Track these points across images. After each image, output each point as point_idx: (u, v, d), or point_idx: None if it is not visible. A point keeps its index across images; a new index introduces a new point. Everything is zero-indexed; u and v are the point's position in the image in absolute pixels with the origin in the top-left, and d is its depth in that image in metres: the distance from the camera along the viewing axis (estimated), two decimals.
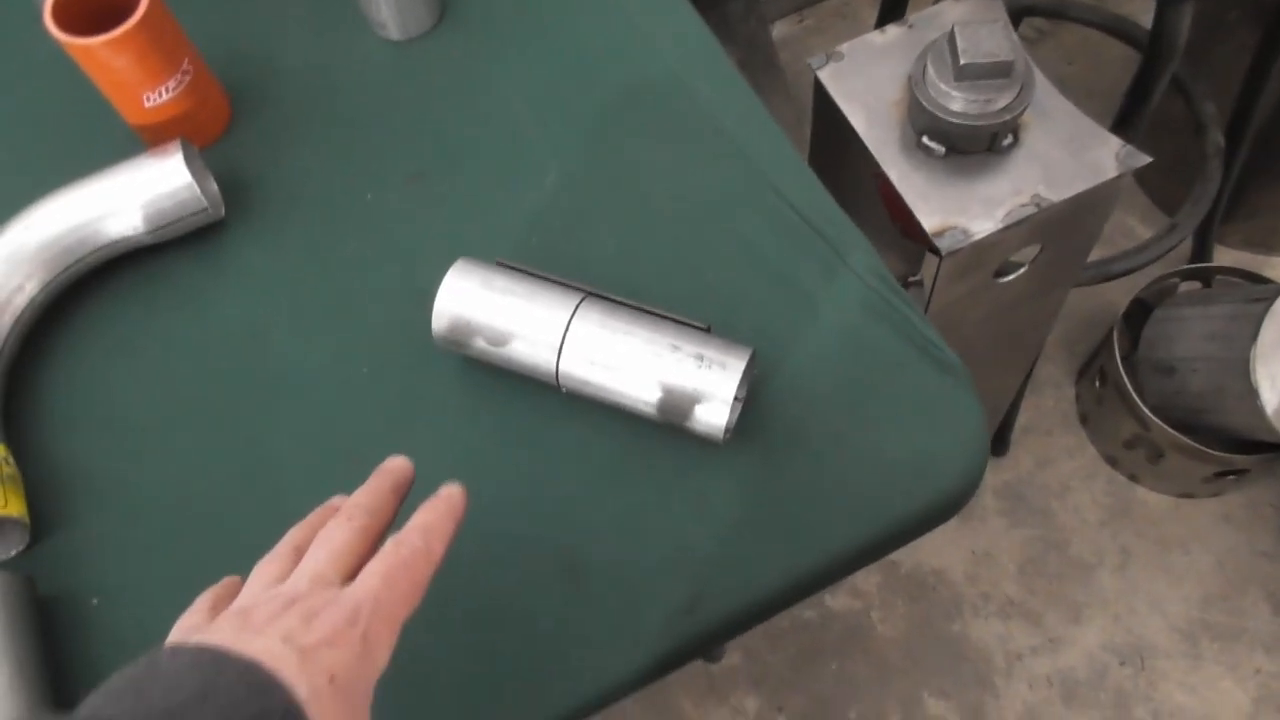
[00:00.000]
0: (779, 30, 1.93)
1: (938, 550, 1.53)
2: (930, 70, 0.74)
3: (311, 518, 0.50)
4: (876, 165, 0.78)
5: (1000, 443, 1.54)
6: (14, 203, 0.66)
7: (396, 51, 0.78)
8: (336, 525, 0.46)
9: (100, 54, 0.63)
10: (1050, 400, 1.60)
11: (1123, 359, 1.39)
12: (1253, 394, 1.19)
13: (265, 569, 0.46)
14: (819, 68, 0.83)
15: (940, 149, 0.77)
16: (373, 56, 0.78)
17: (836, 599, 1.52)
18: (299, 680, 0.37)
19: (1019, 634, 1.46)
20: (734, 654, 1.50)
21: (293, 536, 0.48)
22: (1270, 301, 1.19)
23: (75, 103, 0.74)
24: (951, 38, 0.72)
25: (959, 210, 0.76)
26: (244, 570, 0.59)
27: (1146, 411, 1.34)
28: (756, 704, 1.47)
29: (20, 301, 0.63)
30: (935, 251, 0.77)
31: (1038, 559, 1.51)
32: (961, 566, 1.52)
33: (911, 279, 1.28)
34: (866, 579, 1.53)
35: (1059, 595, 1.48)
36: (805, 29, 1.95)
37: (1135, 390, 1.36)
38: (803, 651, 1.49)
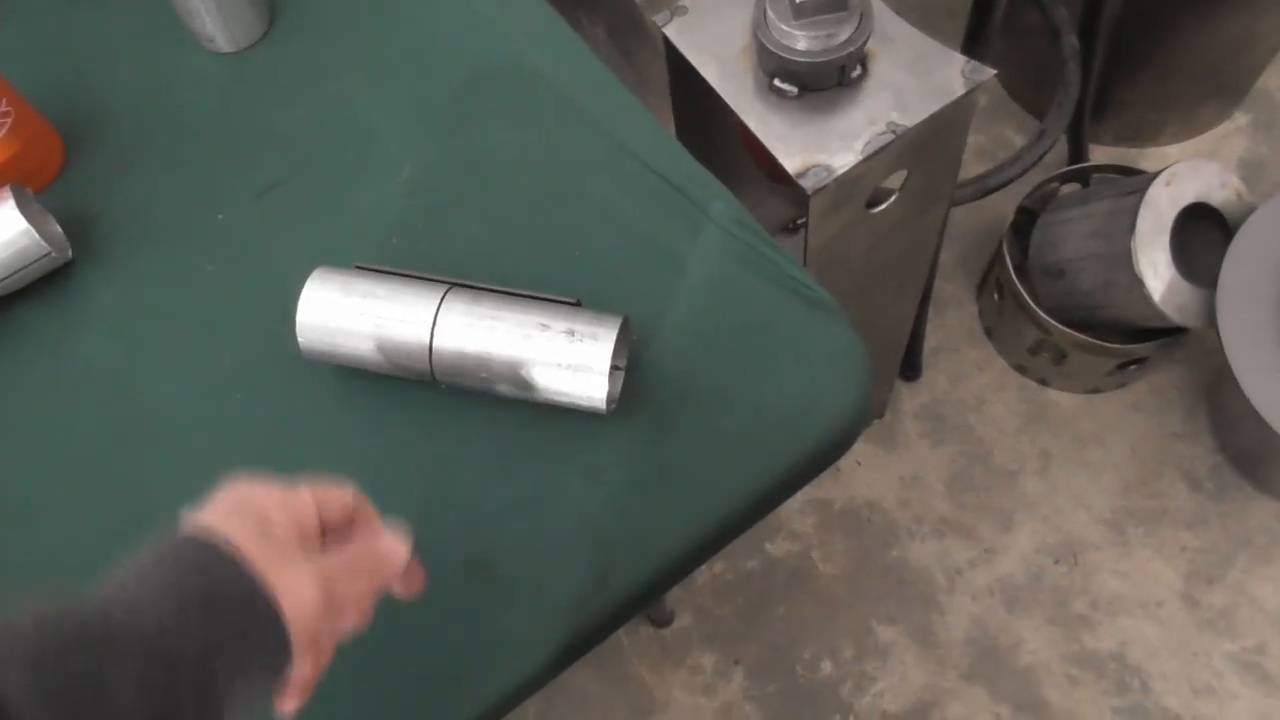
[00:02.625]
0: None
1: (868, 481, 1.56)
2: (770, 13, 0.74)
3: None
4: (734, 114, 0.78)
5: (911, 367, 1.56)
6: None
7: (230, 64, 0.76)
8: None
9: None
10: (954, 319, 1.63)
11: (1015, 268, 1.41)
12: (1138, 283, 1.22)
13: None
14: (664, 24, 0.82)
15: (792, 89, 0.77)
16: (206, 73, 0.75)
17: (775, 545, 1.54)
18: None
19: (955, 550, 1.49)
20: (684, 615, 1.51)
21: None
22: (1143, 192, 1.22)
23: None
24: None
25: (819, 147, 0.76)
26: None
27: (1044, 316, 1.37)
28: (713, 660, 1.48)
29: None
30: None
31: (963, 474, 1.54)
32: (892, 494, 1.55)
33: (800, 221, 1.29)
34: (802, 520, 1.55)
35: (988, 506, 1.51)
36: None
37: (1031, 297, 1.39)
38: (750, 602, 1.51)
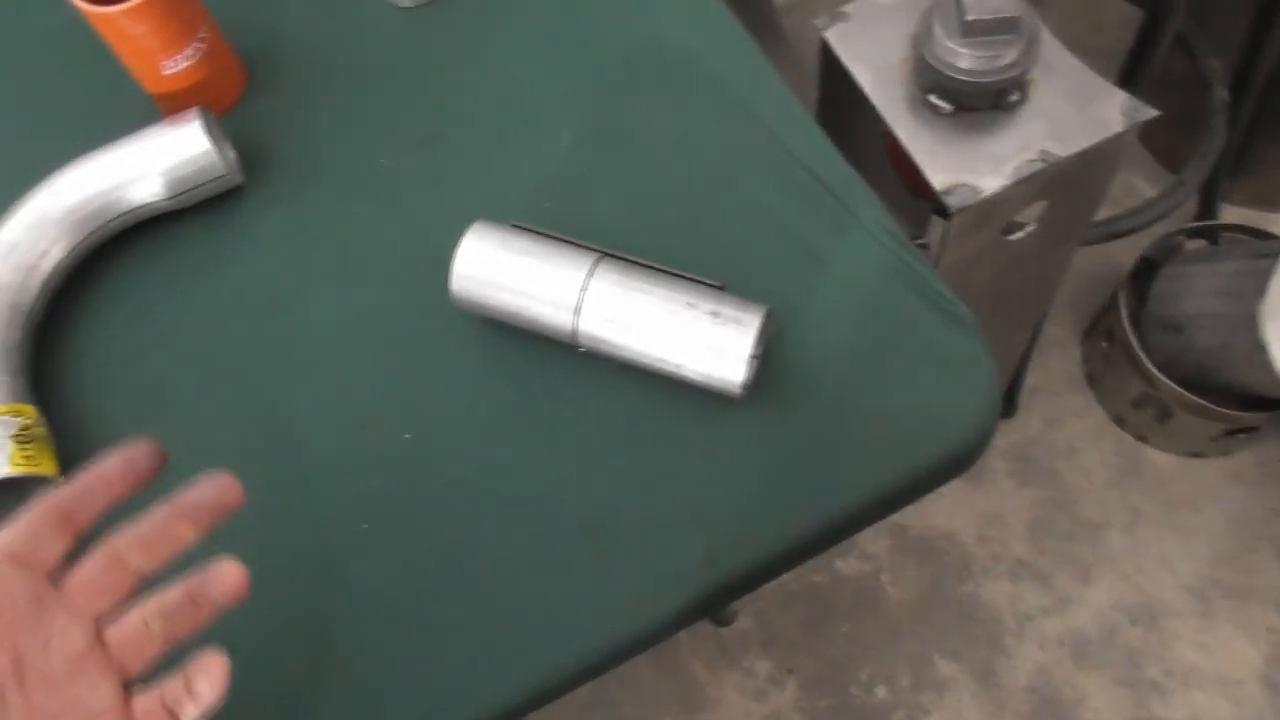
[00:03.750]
0: None
1: (947, 513, 1.55)
2: (936, 28, 0.75)
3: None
4: (884, 125, 0.79)
5: (1008, 404, 1.55)
6: (38, 170, 0.67)
7: (406, 18, 0.78)
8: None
9: (119, 22, 0.64)
10: (1057, 361, 1.61)
11: (1130, 317, 1.39)
12: (1261, 350, 1.19)
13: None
14: (825, 29, 0.83)
15: (947, 107, 0.77)
16: (383, 23, 0.78)
17: (846, 563, 1.53)
18: None
19: (1029, 594, 1.48)
20: (745, 617, 1.51)
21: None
22: (1277, 257, 1.19)
23: (96, 72, 0.75)
24: None
25: (967, 167, 0.77)
26: (265, 526, 0.61)
27: (1154, 370, 1.35)
28: (768, 666, 1.48)
29: (47, 266, 0.65)
30: (943, 211, 0.78)
31: (1046, 520, 1.52)
32: (971, 528, 1.53)
33: (918, 241, 1.29)
34: (876, 542, 1.54)
35: (1068, 555, 1.49)
36: None
37: (1142, 349, 1.37)
38: (813, 615, 1.51)
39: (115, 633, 0.40)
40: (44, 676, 0.37)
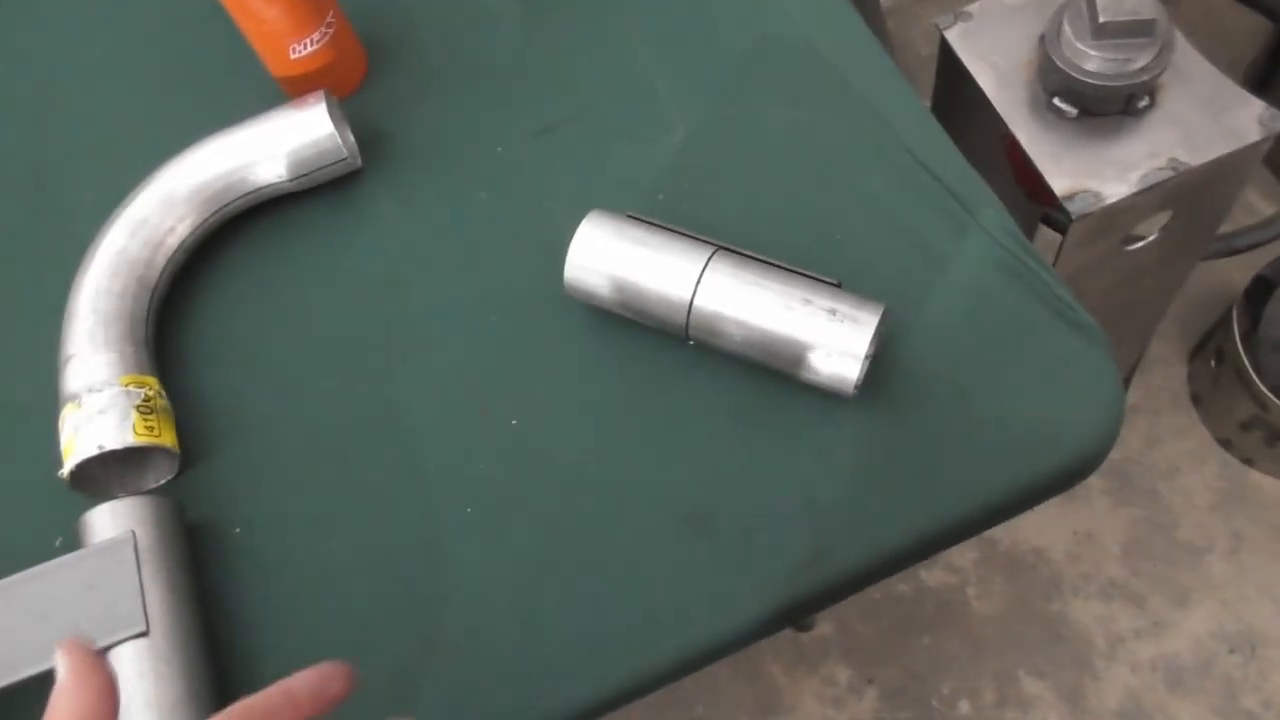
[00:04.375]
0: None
1: (1038, 528, 1.51)
2: (1066, 28, 0.72)
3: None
4: (1005, 127, 0.77)
5: None
6: (168, 148, 0.68)
7: (527, 6, 0.79)
8: None
9: (253, 5, 0.66)
10: (1160, 379, 1.56)
11: (1242, 337, 1.34)
12: None
13: None
14: (946, 27, 0.82)
15: (1072, 110, 0.75)
16: (506, 11, 0.79)
17: (932, 574, 1.51)
18: None
19: (1121, 616, 1.43)
20: (825, 624, 1.50)
21: None
22: None
23: (224, 54, 0.77)
24: None
25: (1090, 173, 0.74)
26: (371, 504, 0.61)
27: (1266, 392, 1.30)
28: (848, 674, 1.46)
29: (172, 242, 0.66)
30: (1056, 222, 0.75)
31: (1143, 541, 1.47)
32: (1063, 546, 1.49)
33: None
34: (963, 555, 1.51)
35: (1165, 579, 1.44)
36: None
37: (1254, 370, 1.32)
38: (896, 625, 1.49)
39: None
40: None
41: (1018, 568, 1.49)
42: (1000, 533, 1.51)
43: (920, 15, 1.88)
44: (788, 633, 1.49)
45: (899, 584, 1.50)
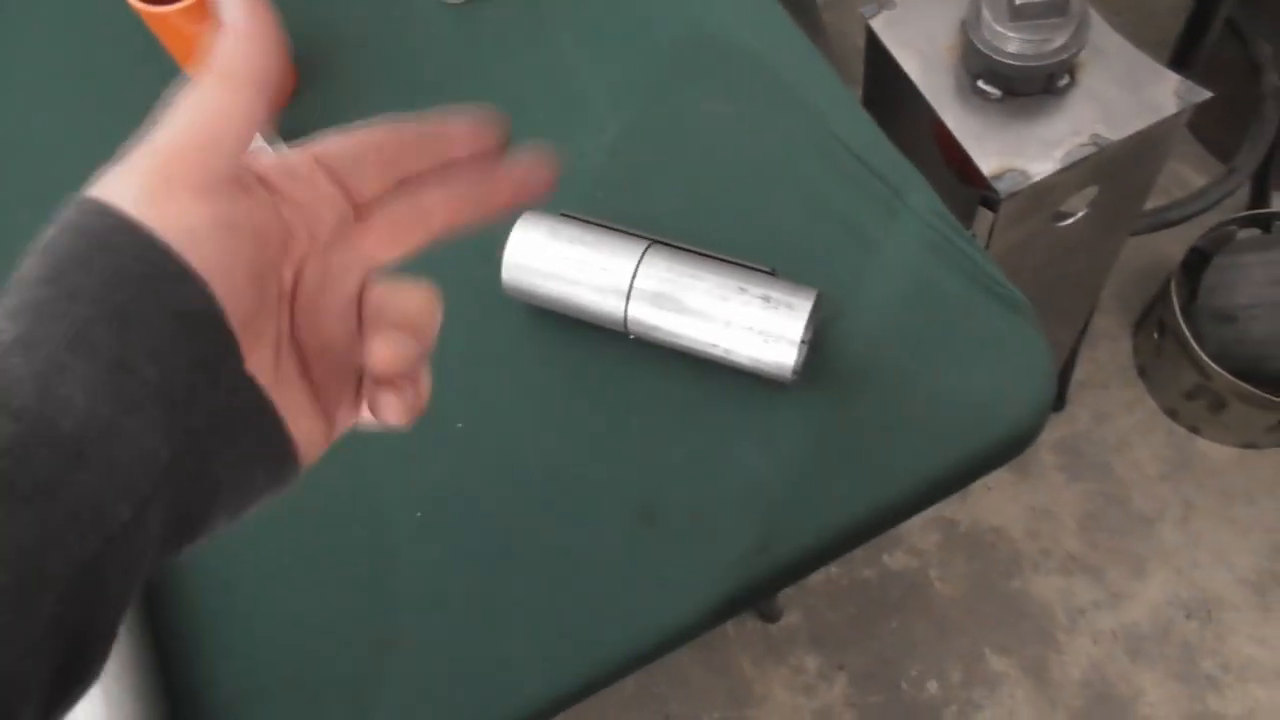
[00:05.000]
0: None
1: (996, 508, 1.53)
2: (985, 12, 0.74)
3: None
4: (932, 112, 0.79)
5: (1057, 397, 1.53)
6: (85, 170, 0.68)
7: (455, 14, 0.79)
8: None
9: (174, 21, 0.66)
10: (1106, 354, 1.59)
11: (1181, 309, 1.37)
12: None
13: None
14: (871, 16, 0.83)
15: (996, 92, 0.77)
16: (433, 20, 0.79)
17: (894, 558, 1.52)
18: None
19: (1081, 589, 1.46)
20: (793, 613, 1.51)
21: None
22: None
23: (150, 70, 0.76)
24: None
25: (1016, 152, 0.76)
26: (319, 515, 0.61)
27: (1208, 360, 1.33)
28: (817, 662, 1.48)
29: None
30: (990, 199, 0.77)
31: (1098, 514, 1.50)
32: (1020, 523, 1.52)
33: (970, 232, 1.28)
34: (924, 538, 1.53)
35: (1121, 550, 1.47)
36: None
37: (1195, 339, 1.35)
38: (862, 610, 1.50)
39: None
40: (312, 308, 0.32)
41: (978, 547, 1.51)
42: (959, 513, 1.53)
43: (855, 5, 1.90)
44: (756, 624, 1.50)
45: (863, 569, 1.52)
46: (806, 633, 1.50)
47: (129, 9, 0.67)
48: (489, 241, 0.64)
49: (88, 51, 0.82)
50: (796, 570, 0.61)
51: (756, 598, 0.61)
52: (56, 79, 0.82)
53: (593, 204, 0.70)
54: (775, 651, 1.49)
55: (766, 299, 0.59)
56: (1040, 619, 1.45)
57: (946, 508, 1.55)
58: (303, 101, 0.77)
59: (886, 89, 0.85)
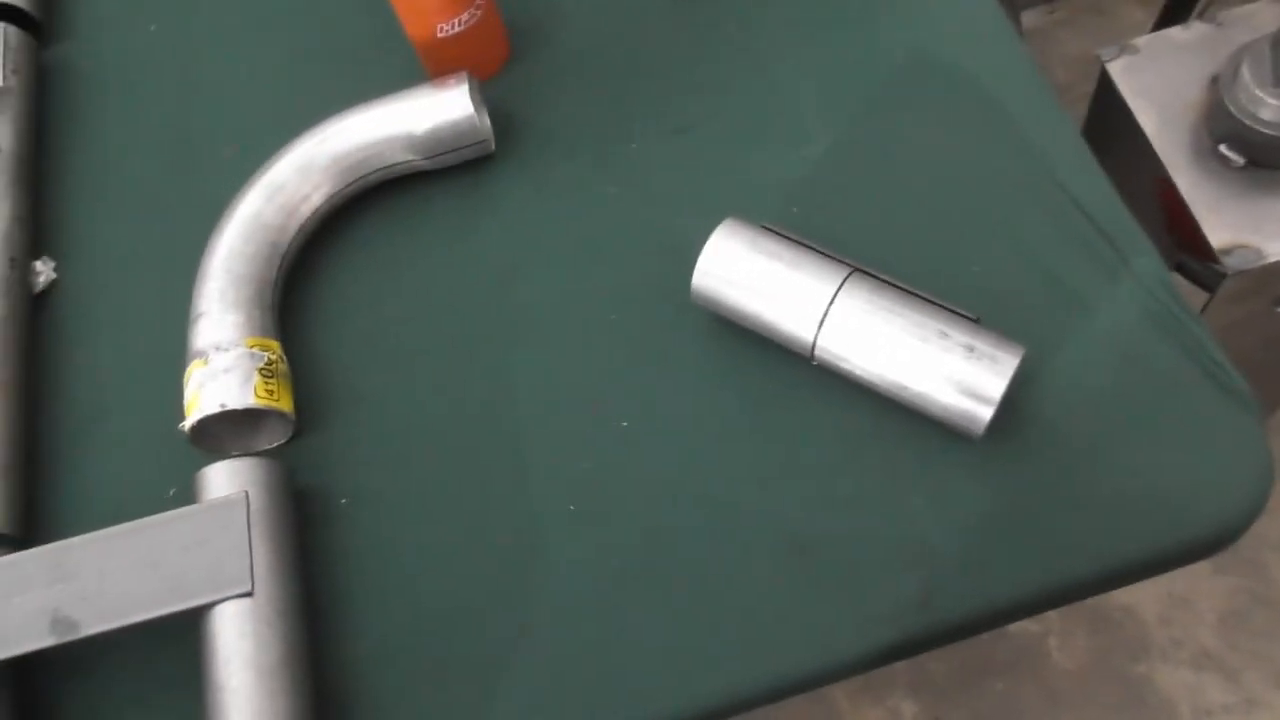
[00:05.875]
0: (1027, 20, 1.84)
1: (1130, 586, 1.45)
2: (1245, 73, 0.69)
3: None
4: (1162, 169, 0.73)
5: None
6: (310, 117, 0.69)
7: (677, 6, 0.78)
8: None
9: None
10: None
11: None
12: None
13: None
14: (1109, 60, 0.78)
15: (1240, 159, 0.71)
16: (651, 7, 0.78)
17: None
18: None
19: (1212, 689, 1.37)
20: None
21: None
22: None
23: (371, 29, 0.77)
24: (1276, 40, 0.66)
25: (1253, 228, 0.70)
26: (475, 490, 0.61)
27: None
28: (914, 709, 1.43)
29: (306, 210, 0.67)
30: (1192, 273, 0.72)
31: (1243, 612, 1.40)
32: (1154, 606, 1.43)
33: None
34: None
35: (1263, 654, 1.38)
36: (1054, 21, 1.85)
37: None
38: (968, 666, 1.44)
39: None
40: None
41: (1104, 623, 1.44)
42: None
43: (1061, 40, 1.82)
44: None
45: None
46: (907, 678, 1.45)
47: None
48: (681, 243, 0.62)
49: (310, 6, 0.83)
50: (953, 633, 0.58)
51: (904, 655, 0.58)
52: (270, 26, 0.83)
53: (788, 218, 0.67)
54: (872, 691, 1.45)
55: (970, 349, 0.55)
56: (1161, 712, 1.37)
57: None
58: (511, 73, 0.76)
59: (1112, 138, 0.80)
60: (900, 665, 1.45)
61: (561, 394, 0.65)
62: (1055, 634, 1.44)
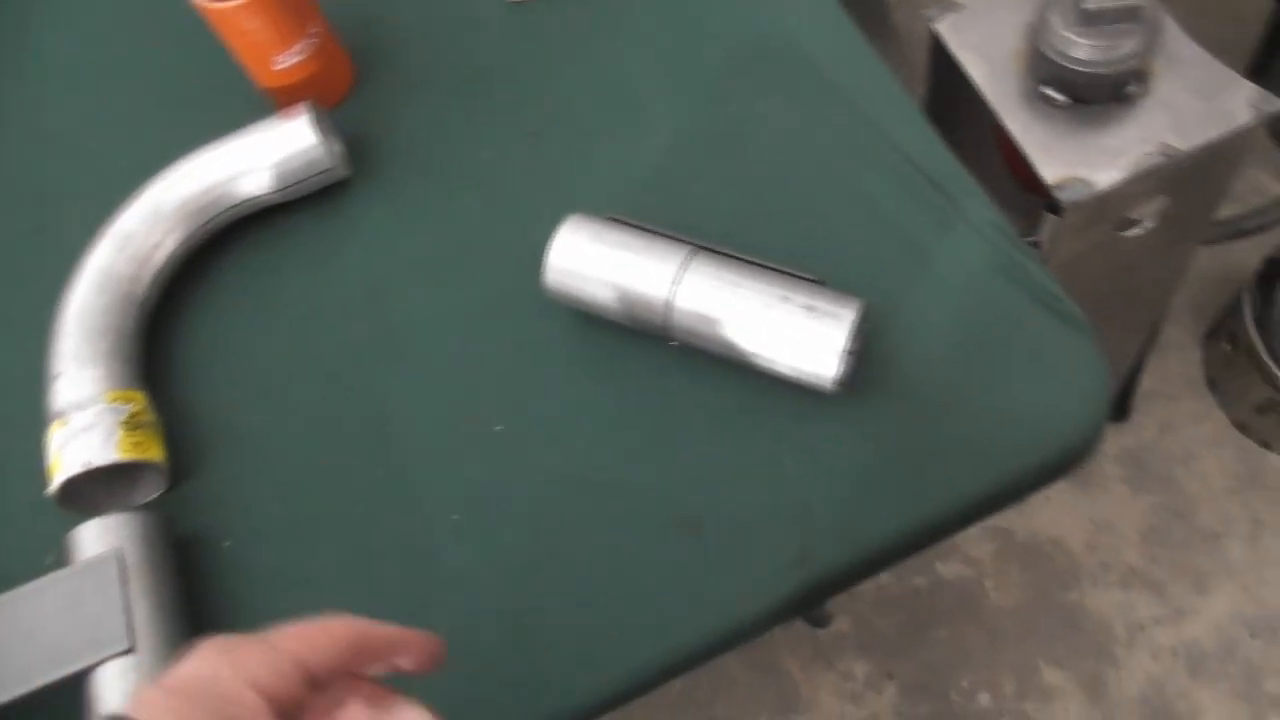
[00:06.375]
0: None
1: (1055, 519, 1.50)
2: (1053, 17, 0.72)
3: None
4: (996, 117, 0.76)
5: (1121, 408, 1.49)
6: (155, 162, 0.69)
7: (515, 11, 0.79)
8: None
9: (235, 18, 0.66)
10: (1175, 364, 1.54)
11: (1255, 320, 1.32)
12: None
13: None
14: (935, 20, 0.81)
15: (1063, 99, 0.74)
16: (491, 18, 0.79)
17: (948, 566, 1.50)
18: None
19: (1141, 604, 1.42)
20: (842, 620, 1.49)
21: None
22: None
23: (211, 68, 0.77)
24: None
25: (1081, 161, 0.74)
26: (360, 514, 0.62)
27: None
28: (865, 669, 1.46)
29: (160, 257, 0.67)
30: (1054, 206, 0.75)
31: (1161, 528, 1.46)
32: (1080, 535, 1.48)
33: (1030, 239, 1.25)
34: (979, 547, 1.50)
35: (1184, 565, 1.43)
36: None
37: (1269, 352, 1.30)
38: (913, 619, 1.48)
39: None
40: None
41: (1035, 558, 1.48)
42: (1017, 523, 1.50)
43: (925, 6, 1.87)
44: (804, 629, 1.49)
45: (915, 577, 1.50)
46: (856, 639, 1.48)
47: (190, 6, 0.67)
48: (539, 244, 0.64)
49: (146, 47, 0.83)
50: (836, 584, 0.60)
51: (794, 612, 0.60)
52: (114, 73, 0.83)
53: (642, 208, 0.69)
54: (823, 657, 1.48)
55: (810, 308, 0.58)
56: (1097, 633, 1.42)
57: (1003, 518, 1.51)
58: (359, 96, 0.77)
59: (950, 94, 0.83)
60: (847, 627, 1.48)
61: (435, 408, 0.66)
62: (990, 575, 1.48)
